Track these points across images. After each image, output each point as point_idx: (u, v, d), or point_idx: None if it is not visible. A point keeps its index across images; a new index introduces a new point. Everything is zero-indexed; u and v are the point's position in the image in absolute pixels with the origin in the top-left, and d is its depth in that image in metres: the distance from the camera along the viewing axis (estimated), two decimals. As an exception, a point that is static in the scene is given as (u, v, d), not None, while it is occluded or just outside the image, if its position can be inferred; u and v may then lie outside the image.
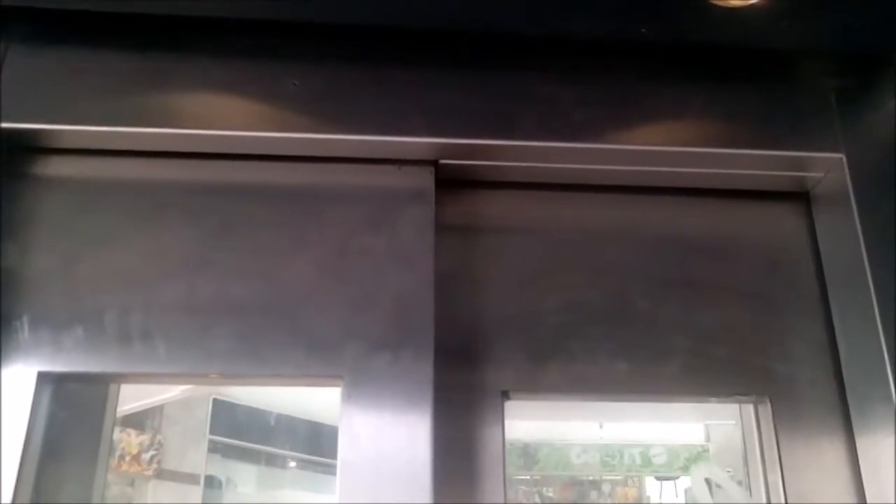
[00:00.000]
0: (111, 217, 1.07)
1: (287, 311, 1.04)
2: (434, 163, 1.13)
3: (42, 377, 0.98)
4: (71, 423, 1.04)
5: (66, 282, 1.03)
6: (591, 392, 1.13)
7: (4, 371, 0.97)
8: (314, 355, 1.02)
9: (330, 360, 1.02)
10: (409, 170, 1.13)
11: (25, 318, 1.00)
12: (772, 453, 1.09)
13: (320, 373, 1.02)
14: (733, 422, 1.15)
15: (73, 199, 1.08)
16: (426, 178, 1.13)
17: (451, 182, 1.16)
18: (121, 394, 1.07)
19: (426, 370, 1.01)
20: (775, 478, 1.08)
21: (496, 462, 1.05)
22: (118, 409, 1.05)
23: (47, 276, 1.03)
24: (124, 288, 1.03)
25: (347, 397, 1.00)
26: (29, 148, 1.08)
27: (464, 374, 1.09)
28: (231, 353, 1.01)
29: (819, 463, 1.08)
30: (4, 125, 1.03)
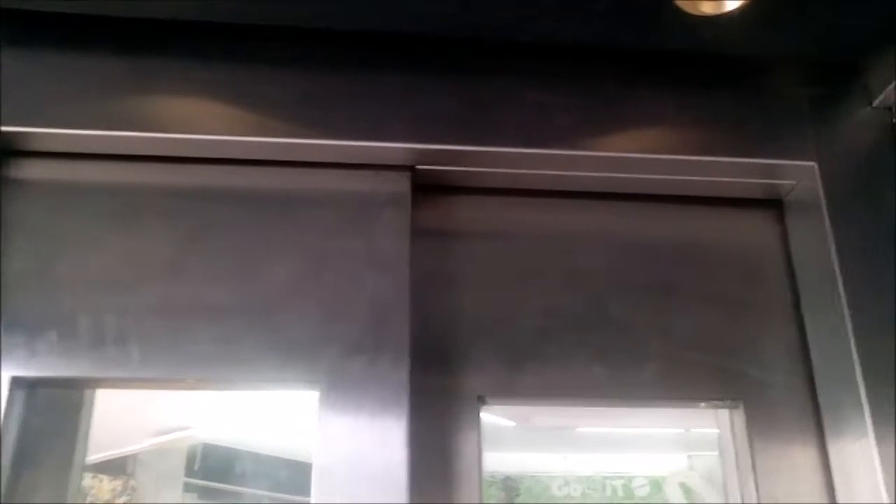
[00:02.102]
0: (87, 220, 1.07)
1: (264, 316, 1.04)
2: (411, 168, 1.14)
3: (15, 382, 0.98)
4: (44, 429, 1.03)
5: (41, 286, 1.02)
6: (566, 397, 1.14)
7: (-24, 376, 0.96)
8: (291, 360, 1.02)
9: (306, 365, 1.02)
10: (386, 175, 1.13)
11: (0, 322, 0.99)
12: (745, 457, 1.10)
13: (297, 377, 1.02)
14: (716, 452, 1.16)
15: (49, 203, 1.07)
16: (403, 184, 1.13)
17: (429, 187, 1.17)
18: (92, 443, 1.05)
19: (402, 375, 1.02)
20: (749, 481, 1.09)
21: (472, 466, 1.05)
22: (87, 458, 1.04)
23: (22, 280, 1.02)
24: (99, 292, 1.03)
25: (324, 402, 1.00)
26: (4, 150, 1.08)
27: (440, 379, 1.09)
28: (207, 357, 1.01)
29: (792, 466, 1.09)
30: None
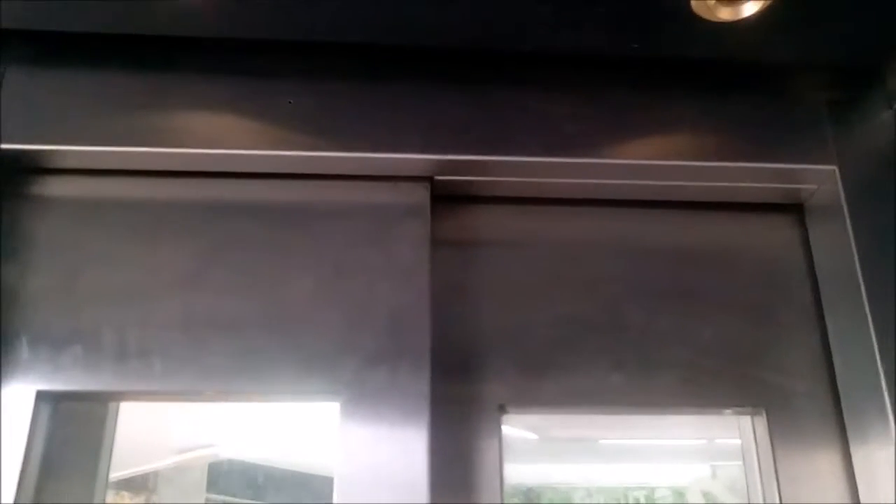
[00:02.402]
0: (108, 236, 1.08)
1: (284, 328, 1.05)
2: (430, 179, 1.14)
3: (41, 396, 0.99)
4: (70, 442, 1.04)
5: (65, 301, 1.04)
6: (587, 405, 1.13)
7: (4, 390, 0.98)
8: (311, 371, 1.03)
9: (327, 376, 1.03)
10: (404, 186, 1.14)
11: (24, 337, 1.00)
12: (768, 464, 1.10)
13: (318, 388, 1.03)
14: (739, 462, 1.15)
15: (71, 219, 1.09)
16: (422, 195, 1.13)
17: (447, 198, 1.17)
18: (114, 459, 1.06)
19: (423, 385, 1.02)
20: (772, 489, 1.08)
21: (493, 476, 1.05)
22: (111, 475, 1.05)
23: (46, 296, 1.04)
24: (122, 306, 1.04)
25: (345, 412, 1.01)
26: (27, 168, 1.09)
27: (460, 388, 1.09)
28: (228, 370, 1.02)
29: (815, 474, 1.09)
30: (3, 146, 1.04)
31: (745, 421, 1.16)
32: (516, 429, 1.14)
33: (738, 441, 1.16)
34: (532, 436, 1.17)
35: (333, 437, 0.99)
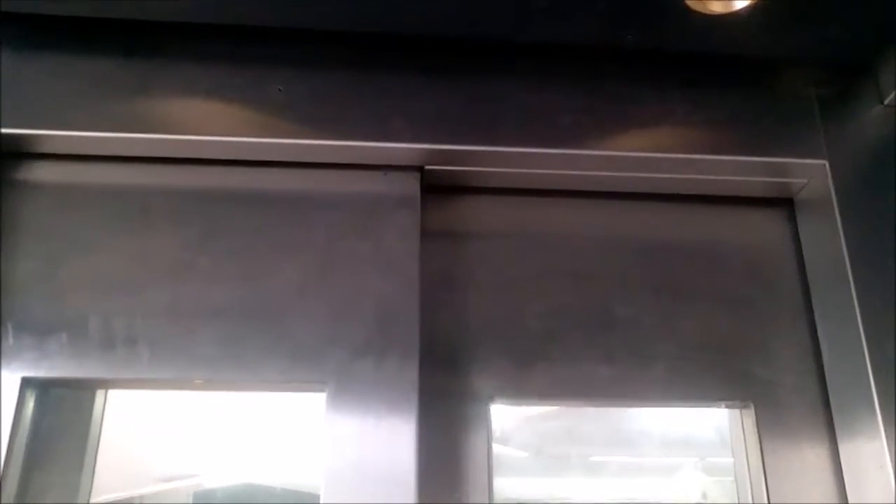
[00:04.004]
0: (95, 222, 1.07)
1: (272, 317, 1.04)
2: (420, 168, 1.14)
3: (26, 382, 0.98)
4: (55, 430, 1.03)
5: (51, 287, 1.03)
6: (575, 397, 1.13)
7: (-12, 377, 0.97)
8: (298, 361, 1.02)
9: (314, 366, 1.02)
10: (394, 175, 1.13)
11: (9, 324, 0.99)
12: (756, 458, 1.10)
13: (304, 378, 1.02)
14: (731, 478, 1.16)
15: (57, 205, 1.08)
16: (412, 184, 1.13)
17: (437, 188, 1.17)
18: (96, 485, 1.05)
19: (411, 375, 1.02)
20: (759, 482, 1.09)
21: (481, 467, 1.05)
22: (92, 501, 1.04)
23: (32, 282, 1.03)
24: (109, 293, 1.03)
25: (332, 403, 1.00)
26: (13, 153, 1.08)
27: (449, 380, 1.09)
28: (215, 358, 1.01)
29: (802, 468, 1.09)
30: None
31: (735, 415, 1.16)
32: (507, 448, 1.15)
33: (731, 460, 1.16)
34: (522, 454, 1.18)
35: (320, 432, 0.99)
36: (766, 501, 1.07)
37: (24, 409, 0.99)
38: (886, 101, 1.18)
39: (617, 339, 1.14)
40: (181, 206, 1.09)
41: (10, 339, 0.99)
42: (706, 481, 1.18)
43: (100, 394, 1.09)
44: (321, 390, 1.01)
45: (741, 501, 1.13)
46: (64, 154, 1.09)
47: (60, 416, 1.04)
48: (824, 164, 1.15)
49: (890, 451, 0.99)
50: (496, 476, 1.06)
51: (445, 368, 1.10)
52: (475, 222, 1.19)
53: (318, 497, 0.95)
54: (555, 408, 1.20)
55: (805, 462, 1.09)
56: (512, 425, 1.18)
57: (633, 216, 1.22)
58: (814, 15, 1.04)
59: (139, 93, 1.08)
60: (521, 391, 1.11)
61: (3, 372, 0.97)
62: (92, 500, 1.03)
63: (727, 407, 1.16)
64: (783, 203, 1.24)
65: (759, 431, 1.10)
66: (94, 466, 1.06)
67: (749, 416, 1.13)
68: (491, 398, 1.09)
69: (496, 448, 1.08)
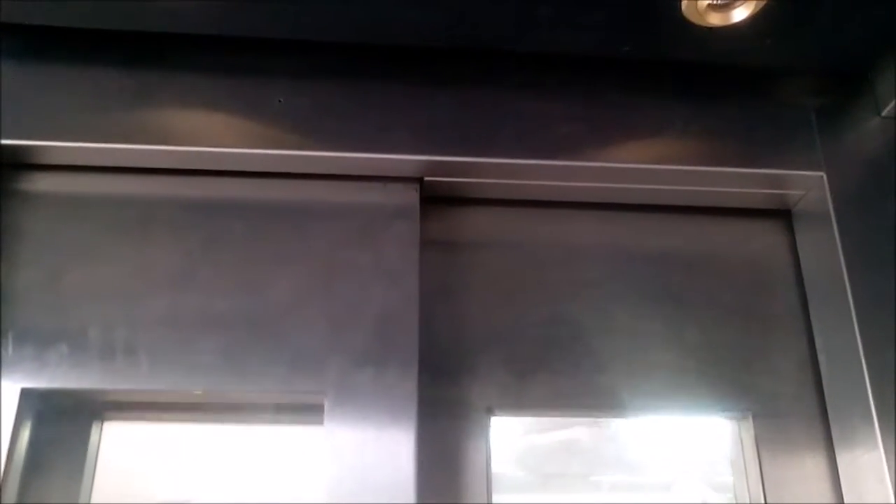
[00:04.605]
0: (96, 233, 1.07)
1: (271, 327, 1.04)
2: (419, 180, 1.14)
3: (25, 394, 0.98)
4: (55, 441, 1.03)
5: (51, 298, 1.03)
6: (574, 408, 1.13)
7: (-13, 388, 0.97)
8: (298, 371, 1.02)
9: (313, 376, 1.02)
10: (394, 187, 1.13)
11: (9, 335, 1.00)
12: (754, 468, 1.10)
13: (304, 388, 1.02)
14: (730, 493, 1.16)
15: (58, 216, 1.08)
16: (411, 196, 1.13)
17: (437, 199, 1.17)
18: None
19: (410, 386, 1.02)
20: (758, 493, 1.09)
21: (480, 478, 1.05)
22: None
23: (32, 293, 1.03)
24: (109, 304, 1.03)
25: (331, 413, 1.00)
26: (14, 164, 1.08)
27: (448, 390, 1.09)
28: (215, 368, 1.01)
29: (800, 478, 1.09)
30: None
31: (732, 425, 1.16)
32: (505, 467, 1.15)
33: (731, 479, 1.16)
34: (519, 473, 1.18)
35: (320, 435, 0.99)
36: (764, 512, 1.07)
37: (24, 420, 0.99)
38: (884, 113, 1.18)
39: (615, 350, 1.14)
40: (181, 217, 1.10)
41: (9, 350, 0.99)
42: (706, 494, 1.18)
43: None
44: (321, 400, 1.01)
45: (738, 510, 1.14)
46: (64, 165, 1.09)
47: (60, 426, 1.04)
48: (822, 176, 1.15)
49: (888, 461, 1.00)
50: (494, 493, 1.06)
51: (445, 378, 1.10)
52: (475, 233, 1.20)
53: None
54: (552, 425, 1.20)
55: (804, 472, 1.10)
56: (509, 443, 1.18)
57: (631, 227, 1.22)
58: (811, 26, 1.04)
59: (140, 104, 1.08)
60: (521, 401, 1.11)
61: (3, 383, 0.97)
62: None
63: (726, 417, 1.16)
64: (781, 214, 1.25)
65: (757, 442, 1.10)
66: (94, 478, 1.06)
67: (747, 427, 1.13)
68: (490, 409, 1.09)
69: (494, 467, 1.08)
